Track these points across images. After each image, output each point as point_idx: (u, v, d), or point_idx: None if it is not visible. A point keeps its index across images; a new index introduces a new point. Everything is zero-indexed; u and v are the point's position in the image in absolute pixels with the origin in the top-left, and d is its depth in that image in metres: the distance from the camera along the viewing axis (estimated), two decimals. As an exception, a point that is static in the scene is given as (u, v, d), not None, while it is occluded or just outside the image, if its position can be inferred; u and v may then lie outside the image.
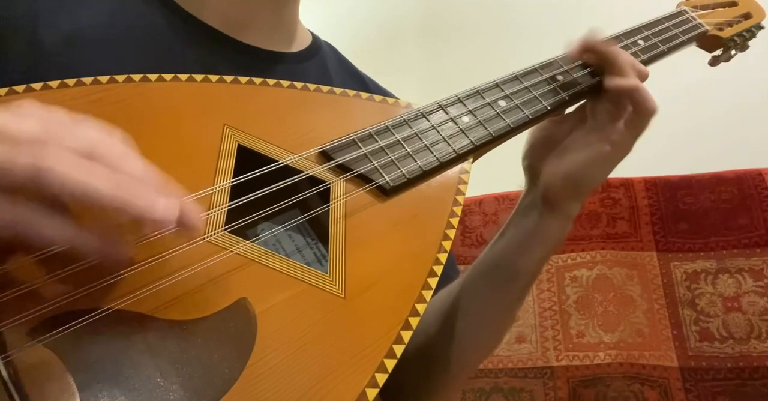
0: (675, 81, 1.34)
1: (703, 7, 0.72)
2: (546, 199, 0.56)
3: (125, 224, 0.32)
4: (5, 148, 0.29)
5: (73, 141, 0.31)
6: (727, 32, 0.70)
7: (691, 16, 0.69)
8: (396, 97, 0.57)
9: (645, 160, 1.39)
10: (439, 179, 0.50)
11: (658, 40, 0.65)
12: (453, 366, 0.59)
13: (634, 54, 0.62)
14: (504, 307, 0.60)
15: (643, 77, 0.56)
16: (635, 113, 0.53)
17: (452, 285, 0.61)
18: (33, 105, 0.33)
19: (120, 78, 0.44)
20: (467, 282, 0.60)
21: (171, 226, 0.32)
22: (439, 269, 0.45)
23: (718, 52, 0.72)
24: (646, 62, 0.62)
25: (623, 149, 0.54)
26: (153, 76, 0.45)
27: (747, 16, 0.73)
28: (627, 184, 1.27)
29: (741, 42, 0.72)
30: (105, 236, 0.32)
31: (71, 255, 0.32)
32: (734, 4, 0.74)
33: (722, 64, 0.74)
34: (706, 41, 0.71)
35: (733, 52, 0.73)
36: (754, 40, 0.74)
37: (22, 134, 0.30)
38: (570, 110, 0.59)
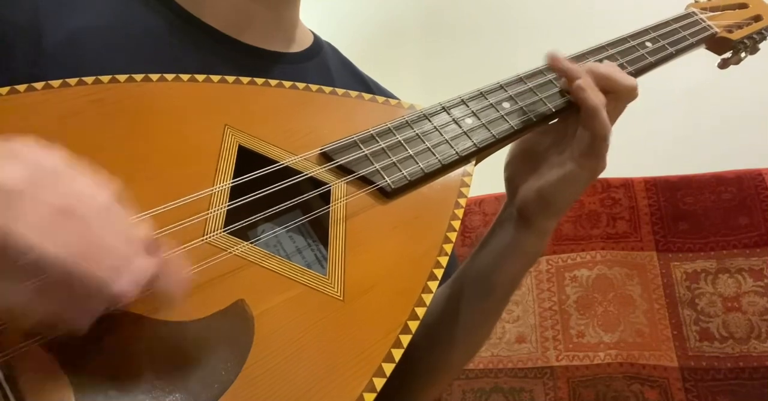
0: (675, 81, 1.33)
1: (713, 9, 0.71)
2: (521, 214, 0.56)
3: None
4: None
5: (53, 196, 0.28)
6: (737, 34, 0.70)
7: (700, 18, 0.68)
8: (398, 99, 0.56)
9: (645, 160, 1.39)
10: (441, 181, 0.50)
11: (666, 42, 0.64)
12: (434, 369, 0.60)
13: (641, 56, 0.61)
14: (483, 317, 0.60)
15: (621, 90, 0.53)
16: (586, 132, 0.52)
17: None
18: (30, 147, 0.31)
19: (121, 78, 0.44)
20: (448, 291, 0.60)
21: (134, 295, 0.30)
22: (439, 273, 0.45)
23: (728, 54, 0.71)
24: (653, 64, 0.62)
25: (590, 171, 0.53)
26: (155, 76, 0.45)
27: (757, 19, 0.72)
28: (627, 184, 1.26)
29: (751, 44, 0.71)
30: (64, 311, 0.29)
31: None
32: (744, 6, 0.73)
33: (723, 65, 0.73)
34: (715, 43, 0.70)
35: (742, 54, 0.72)
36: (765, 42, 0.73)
37: (0, 181, 0.28)
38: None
